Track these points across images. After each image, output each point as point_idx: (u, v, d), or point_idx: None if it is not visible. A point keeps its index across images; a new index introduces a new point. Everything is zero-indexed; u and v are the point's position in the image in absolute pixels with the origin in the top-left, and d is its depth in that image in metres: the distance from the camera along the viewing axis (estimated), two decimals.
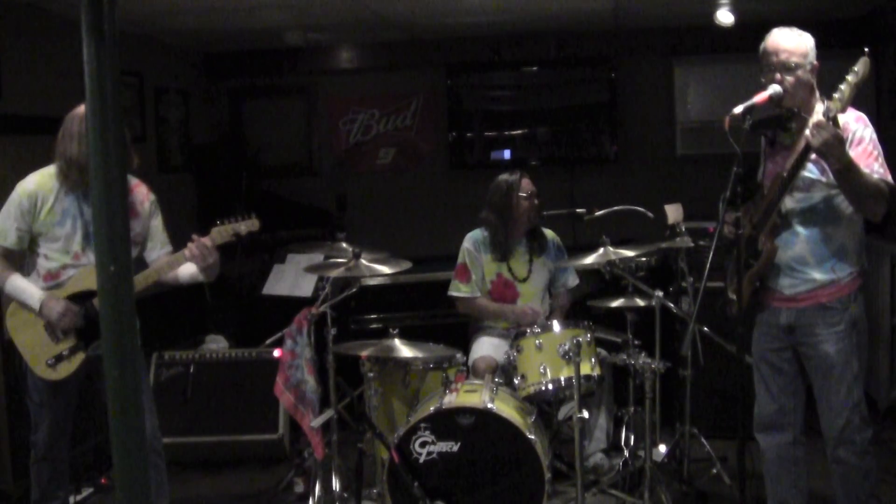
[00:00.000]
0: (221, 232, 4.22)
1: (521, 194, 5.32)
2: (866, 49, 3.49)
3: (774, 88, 3.69)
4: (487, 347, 5.28)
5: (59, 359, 4.15)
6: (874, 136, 3.70)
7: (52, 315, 4.11)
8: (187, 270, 4.33)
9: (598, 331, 4.92)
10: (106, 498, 5.28)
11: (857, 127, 3.69)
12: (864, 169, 3.60)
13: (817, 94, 3.76)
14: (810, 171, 3.72)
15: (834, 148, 3.46)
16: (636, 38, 7.77)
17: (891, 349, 6.02)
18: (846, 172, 3.53)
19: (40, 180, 4.17)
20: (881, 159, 3.67)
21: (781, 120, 3.84)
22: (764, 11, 6.37)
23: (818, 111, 3.56)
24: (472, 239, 5.45)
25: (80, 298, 4.17)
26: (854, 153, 3.63)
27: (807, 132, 3.51)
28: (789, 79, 3.68)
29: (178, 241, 4.37)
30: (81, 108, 4.10)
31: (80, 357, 4.18)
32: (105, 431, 4.25)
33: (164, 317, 6.72)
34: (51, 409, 4.26)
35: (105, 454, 5.22)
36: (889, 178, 3.66)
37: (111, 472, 4.55)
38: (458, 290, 5.42)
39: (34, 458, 4.35)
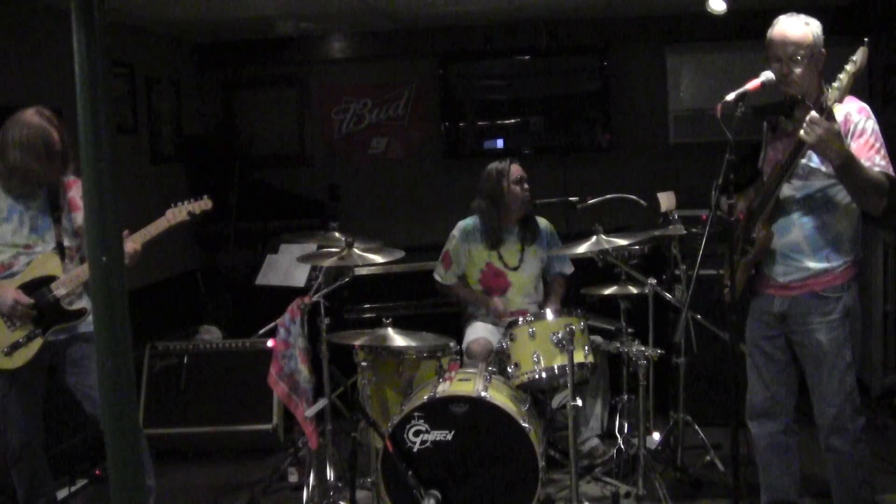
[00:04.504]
0: (175, 213, 4.44)
1: (511, 180, 5.34)
2: (866, 39, 3.48)
3: (766, 75, 3.69)
4: (481, 331, 5.30)
5: (15, 346, 4.15)
6: (876, 127, 3.67)
7: (2, 308, 4.13)
8: None
9: (592, 319, 4.92)
10: (100, 489, 5.28)
11: (860, 118, 3.66)
12: (865, 162, 3.59)
13: (822, 81, 3.75)
14: (810, 160, 3.70)
15: (830, 143, 3.43)
16: (628, 26, 7.76)
17: (884, 335, 6.05)
18: (846, 167, 3.50)
19: None
20: (883, 151, 3.64)
21: (785, 107, 3.83)
22: None
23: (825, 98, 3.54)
24: (462, 228, 5.46)
25: (37, 285, 4.19)
26: (855, 145, 3.62)
27: (801, 132, 3.50)
28: (797, 70, 3.65)
29: (171, 232, 4.41)
30: (23, 116, 4.15)
31: (37, 343, 4.18)
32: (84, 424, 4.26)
33: (157, 307, 6.72)
34: (14, 403, 4.24)
35: (98, 445, 5.22)
36: (891, 170, 3.63)
37: (105, 463, 4.55)
38: (439, 274, 5.58)
39: (10, 460, 4.34)
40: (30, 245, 4.23)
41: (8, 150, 4.13)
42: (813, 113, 3.45)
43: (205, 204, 4.54)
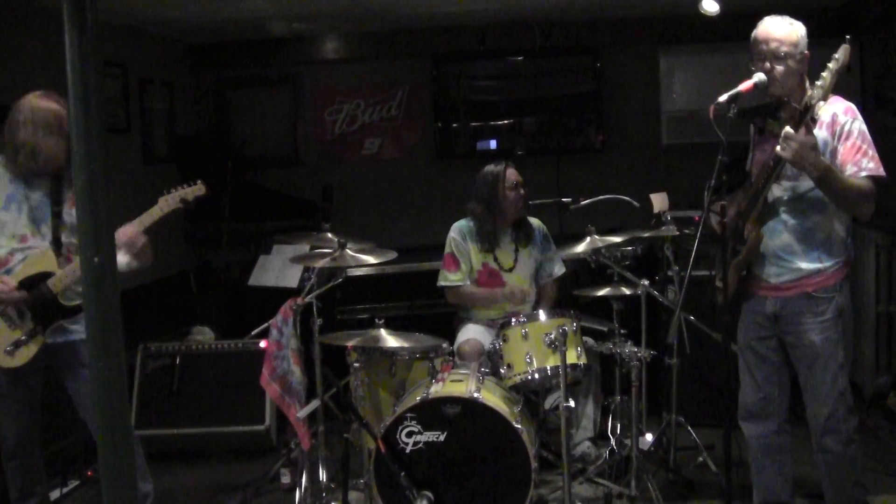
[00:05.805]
0: (168, 201, 4.23)
1: (507, 185, 5.33)
2: (847, 36, 3.50)
3: (759, 77, 3.69)
4: (473, 333, 5.29)
5: (17, 345, 4.11)
6: (864, 127, 3.68)
7: None
8: (120, 260, 4.25)
9: (584, 320, 4.92)
10: (92, 490, 5.26)
11: (846, 120, 3.67)
12: (852, 167, 3.60)
13: (807, 82, 3.76)
14: None
15: (806, 157, 3.47)
16: (621, 27, 7.76)
17: (876, 336, 6.05)
18: (824, 179, 3.54)
19: None
20: (871, 152, 3.65)
21: (770, 108, 3.84)
22: (748, 1, 6.38)
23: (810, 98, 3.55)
24: (458, 228, 5.45)
25: (34, 282, 4.14)
26: (842, 148, 3.63)
27: (777, 147, 3.52)
28: (779, 68, 3.67)
29: (166, 230, 4.36)
30: (29, 97, 4.14)
31: (38, 341, 4.14)
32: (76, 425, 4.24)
33: (150, 308, 6.71)
34: (14, 402, 4.21)
35: (91, 446, 5.20)
36: (880, 171, 3.64)
37: (97, 464, 4.53)
38: (447, 280, 5.42)
39: (5, 458, 4.32)
40: (25, 236, 4.16)
41: (17, 129, 4.09)
42: (787, 128, 3.48)
43: (198, 189, 4.31)
